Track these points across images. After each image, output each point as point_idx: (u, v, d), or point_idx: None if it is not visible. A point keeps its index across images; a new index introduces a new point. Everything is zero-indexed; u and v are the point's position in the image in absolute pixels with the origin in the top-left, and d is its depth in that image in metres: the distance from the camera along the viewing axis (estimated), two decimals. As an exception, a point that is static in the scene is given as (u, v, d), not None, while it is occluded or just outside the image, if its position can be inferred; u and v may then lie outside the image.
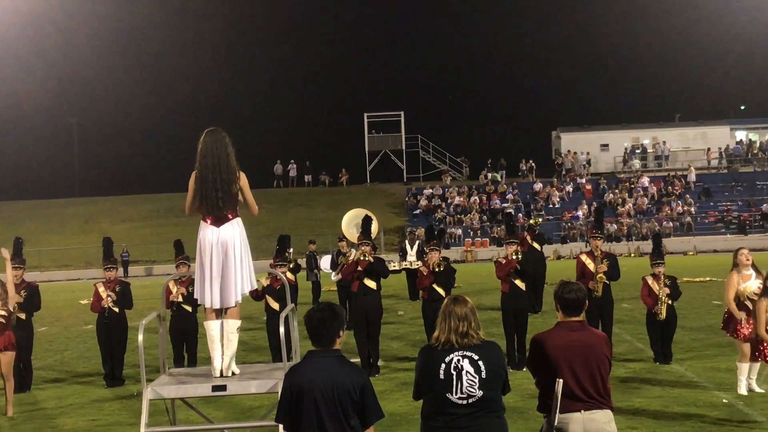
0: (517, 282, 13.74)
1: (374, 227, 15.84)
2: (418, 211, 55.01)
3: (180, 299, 13.97)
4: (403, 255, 26.24)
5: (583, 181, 57.45)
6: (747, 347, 10.82)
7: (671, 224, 50.15)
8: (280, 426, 5.57)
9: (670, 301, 13.31)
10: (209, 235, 7.63)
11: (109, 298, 13.91)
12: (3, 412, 11.87)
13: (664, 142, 61.65)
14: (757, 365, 10.98)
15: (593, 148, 62.26)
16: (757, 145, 61.54)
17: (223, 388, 7.32)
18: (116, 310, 14.00)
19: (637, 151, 61.87)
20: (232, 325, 7.71)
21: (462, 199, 55.61)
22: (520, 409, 10.31)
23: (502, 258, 14.17)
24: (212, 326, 7.68)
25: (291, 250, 16.49)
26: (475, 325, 5.70)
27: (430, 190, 57.58)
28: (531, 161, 61.33)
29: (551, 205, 54.68)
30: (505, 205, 53.72)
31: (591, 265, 13.65)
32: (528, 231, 20.94)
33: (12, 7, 62.81)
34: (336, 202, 54.23)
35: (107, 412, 11.95)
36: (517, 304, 13.73)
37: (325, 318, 5.47)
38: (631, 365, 13.34)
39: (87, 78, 78.41)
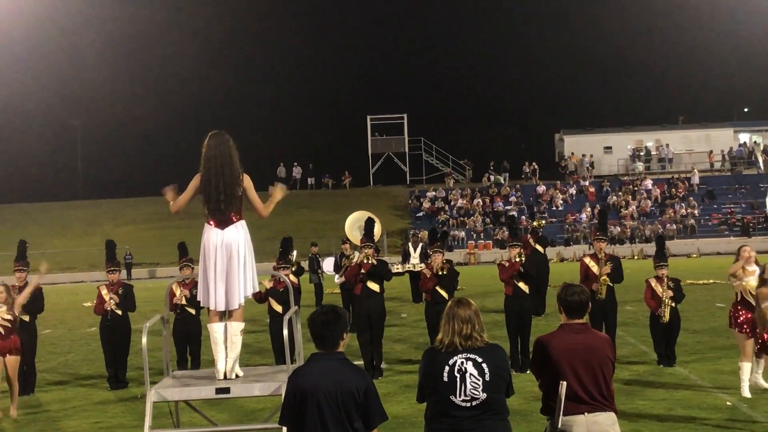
0: (521, 285, 13.74)
1: (377, 230, 15.85)
2: (421, 214, 55.00)
3: (184, 301, 13.98)
4: (406, 257, 26.23)
5: (587, 183, 57.41)
6: (749, 345, 10.83)
7: (675, 226, 50.11)
8: (284, 429, 5.56)
9: (673, 304, 13.30)
10: (213, 237, 7.64)
11: (111, 301, 13.92)
12: (7, 414, 11.88)
13: (668, 145, 61.60)
14: (762, 361, 10.98)
15: (596, 150, 62.24)
16: (761, 147, 61.48)
17: (227, 390, 7.33)
18: (119, 312, 14.01)
19: (641, 153, 61.82)
20: (236, 327, 7.72)
21: (465, 201, 55.61)
22: (524, 412, 10.31)
23: (505, 261, 14.17)
24: (216, 329, 7.69)
25: (294, 252, 16.50)
26: (479, 328, 5.70)
27: (433, 193, 57.58)
28: (534, 163, 61.29)
29: (554, 208, 54.66)
30: (508, 207, 53.72)
31: (594, 268, 13.63)
32: (531, 233, 20.93)
33: (15, 10, 62.93)
34: (339, 205, 54.23)
35: (111, 414, 11.96)
36: (520, 307, 13.74)
37: (328, 321, 5.47)
38: (635, 368, 13.33)
39: (90, 81, 78.49)
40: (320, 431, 5.31)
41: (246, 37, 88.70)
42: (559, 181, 58.12)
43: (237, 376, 7.65)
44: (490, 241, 50.59)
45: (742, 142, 62.46)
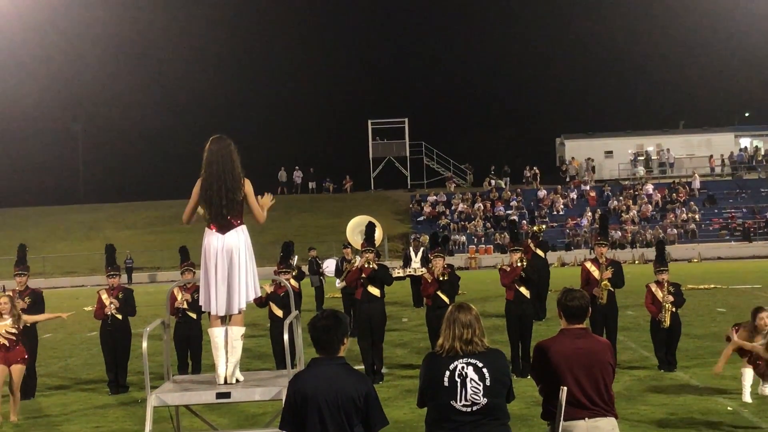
0: (522, 289, 13.73)
1: (378, 234, 15.86)
2: (422, 218, 55.01)
3: (185, 306, 13.97)
4: (407, 262, 26.22)
5: (588, 188, 57.43)
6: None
7: (675, 231, 50.11)
8: (284, 434, 5.56)
9: (674, 309, 13.29)
10: (214, 241, 7.64)
11: (112, 305, 13.91)
12: (7, 418, 11.87)
13: (669, 149, 61.63)
14: None
15: (597, 154, 62.27)
16: (762, 152, 61.48)
17: (227, 395, 7.32)
18: (119, 317, 14.00)
19: (641, 158, 61.84)
20: (237, 332, 7.72)
21: (466, 205, 55.61)
22: (525, 417, 10.30)
23: (506, 265, 14.16)
24: (216, 333, 7.69)
25: (295, 257, 16.50)
26: (480, 333, 5.70)
27: (434, 197, 57.61)
28: (535, 168, 61.31)
29: (555, 212, 54.67)
30: (509, 212, 53.74)
31: (595, 273, 13.63)
32: (531, 238, 20.93)
33: (17, 13, 63.02)
34: (340, 209, 54.26)
35: (111, 419, 11.95)
36: (521, 312, 13.73)
37: (329, 325, 5.47)
38: (636, 373, 13.32)
39: (91, 85, 78.58)
40: (321, 436, 5.31)
41: (247, 41, 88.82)
42: (560, 186, 58.13)
43: (237, 380, 7.65)
44: (491, 246, 50.60)
45: (743, 146, 62.50)
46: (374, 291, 13.89)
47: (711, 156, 60.61)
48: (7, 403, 12.08)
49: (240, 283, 7.66)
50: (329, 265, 25.50)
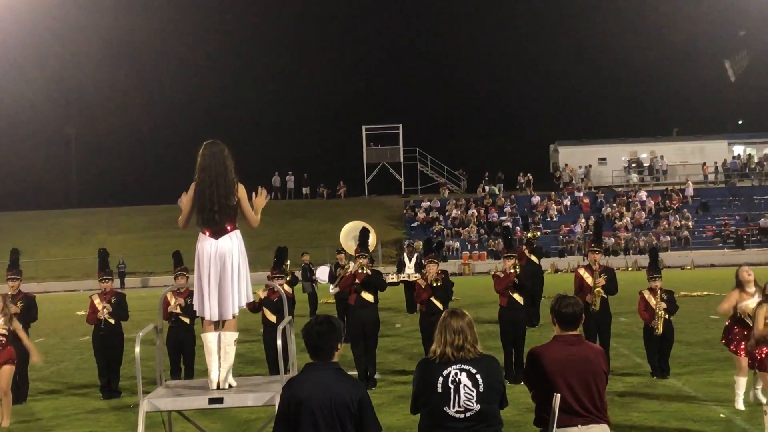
0: (515, 296, 13.74)
1: (372, 240, 15.87)
2: (416, 224, 55.01)
3: (178, 310, 13.95)
4: (401, 267, 26.23)
5: (581, 194, 57.51)
6: (746, 361, 10.81)
7: (669, 238, 50.19)
8: (277, 439, 5.55)
9: (667, 316, 13.31)
10: (207, 246, 7.63)
11: (104, 310, 13.88)
12: (-1, 423, 11.84)
13: (662, 156, 61.76)
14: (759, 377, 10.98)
15: (591, 161, 62.37)
16: (755, 159, 61.65)
17: (220, 400, 7.31)
18: (112, 321, 13.97)
19: (633, 165, 61.98)
20: (230, 337, 7.71)
21: (460, 211, 55.64)
22: (518, 423, 10.30)
23: (500, 272, 14.18)
24: (210, 338, 7.67)
25: (288, 262, 16.49)
26: (472, 339, 5.70)
27: (428, 203, 57.61)
28: (529, 174, 61.37)
29: (549, 219, 54.72)
30: (503, 218, 53.76)
31: (589, 279, 13.65)
32: (526, 244, 20.95)
33: (11, 17, 62.92)
34: (334, 215, 54.21)
35: (103, 424, 11.92)
36: (514, 318, 13.73)
37: (323, 331, 5.47)
38: (629, 379, 13.33)
39: (85, 89, 78.43)
40: (314, 442, 5.30)
41: (241, 46, 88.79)
42: (553, 192, 58.21)
43: (230, 386, 7.63)
44: (485, 252, 50.63)
45: (736, 154, 62.64)
46: (368, 297, 13.89)
47: (704, 163, 60.75)
48: (-1, 407, 12.04)
49: (233, 288, 7.65)
50: (322, 274, 25.48)
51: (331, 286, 21.11)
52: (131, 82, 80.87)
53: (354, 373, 13.32)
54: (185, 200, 7.81)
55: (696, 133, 66.45)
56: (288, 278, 16.26)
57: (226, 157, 7.71)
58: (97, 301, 14.03)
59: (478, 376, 5.60)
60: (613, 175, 62.18)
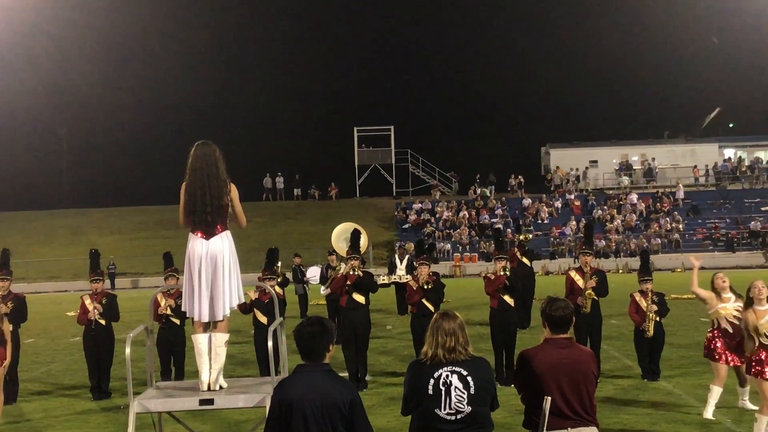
0: (506, 298, 13.75)
1: (363, 241, 15.86)
2: (407, 226, 55.01)
3: (168, 311, 13.93)
4: (392, 269, 26.23)
5: (572, 197, 57.59)
6: (723, 370, 10.85)
7: (659, 241, 50.28)
8: (268, 441, 5.54)
9: (657, 318, 13.34)
10: (198, 247, 7.62)
11: (95, 311, 13.85)
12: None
13: (653, 159, 61.91)
14: (748, 388, 11.01)
15: (582, 164, 62.48)
16: (746, 162, 61.83)
17: (211, 401, 7.29)
18: (103, 322, 13.94)
19: (623, 168, 62.09)
20: (220, 338, 7.70)
21: (451, 213, 55.66)
22: (509, 425, 10.30)
23: (491, 273, 14.18)
24: (200, 340, 7.66)
25: (279, 263, 16.48)
26: (463, 341, 5.70)
27: (420, 205, 57.63)
28: (520, 177, 61.42)
29: (540, 221, 54.78)
30: (494, 220, 53.78)
31: (580, 281, 13.67)
32: (518, 247, 20.97)
33: (2, 17, 62.74)
34: (325, 216, 54.19)
35: (93, 425, 11.89)
36: (505, 320, 13.74)
37: (314, 332, 5.47)
38: (620, 382, 13.35)
39: (76, 89, 78.25)
40: (305, 443, 5.30)
41: (232, 47, 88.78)
42: (544, 195, 58.28)
43: (221, 387, 7.62)
44: (476, 254, 50.66)
45: (726, 157, 62.80)
46: (359, 298, 13.89)
47: (695, 166, 60.93)
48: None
49: (224, 289, 7.64)
50: (314, 274, 25.47)
51: (323, 288, 21.09)
52: (122, 82, 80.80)
53: (345, 374, 13.31)
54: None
55: (687, 136, 66.64)
56: (279, 280, 16.24)
57: (217, 159, 7.70)
58: (87, 301, 14.00)
59: (469, 378, 5.60)
60: (604, 177, 62.29)
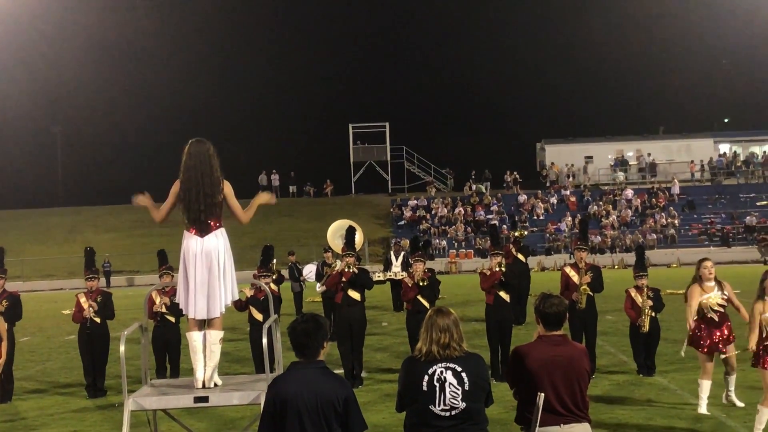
0: (502, 294, 13.75)
1: (358, 238, 15.86)
2: (402, 222, 55.01)
3: (163, 309, 13.92)
4: (388, 266, 26.23)
5: (567, 193, 57.62)
6: (710, 365, 10.86)
7: (655, 236, 50.33)
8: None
9: (653, 314, 13.34)
10: (193, 245, 7.61)
11: (90, 309, 13.84)
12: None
13: (649, 155, 61.95)
14: (734, 378, 11.02)
15: (577, 160, 62.52)
16: (741, 157, 61.90)
17: (206, 399, 7.28)
18: (98, 320, 13.93)
19: (618, 164, 62.13)
20: (215, 336, 7.68)
21: (446, 210, 55.67)
22: (503, 421, 10.30)
23: (486, 269, 14.17)
24: (195, 337, 7.65)
25: (274, 261, 16.48)
26: (458, 337, 5.70)
27: (415, 201, 57.63)
28: (515, 173, 61.43)
29: (535, 217, 54.80)
30: (490, 216, 53.80)
31: (575, 277, 13.66)
32: (513, 243, 20.97)
33: (-4, 16, 62.62)
34: (320, 213, 54.17)
35: (89, 423, 11.88)
36: (501, 316, 13.74)
37: (309, 329, 5.46)
38: (615, 377, 13.36)
39: (71, 87, 78.23)
40: (300, 440, 5.29)
41: (227, 44, 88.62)
42: (540, 191, 58.32)
43: (216, 384, 7.61)
44: (472, 250, 50.67)
45: (722, 152, 62.86)
46: (354, 295, 13.88)
47: (691, 161, 60.97)
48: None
49: (219, 286, 7.63)
50: (311, 271, 25.47)
51: (318, 285, 21.09)
52: (117, 80, 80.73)
53: (340, 371, 13.31)
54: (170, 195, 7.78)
55: (682, 131, 66.71)
56: (274, 277, 16.23)
57: (211, 156, 7.68)
58: (83, 299, 13.98)
59: (463, 375, 5.60)
60: (599, 173, 62.33)
